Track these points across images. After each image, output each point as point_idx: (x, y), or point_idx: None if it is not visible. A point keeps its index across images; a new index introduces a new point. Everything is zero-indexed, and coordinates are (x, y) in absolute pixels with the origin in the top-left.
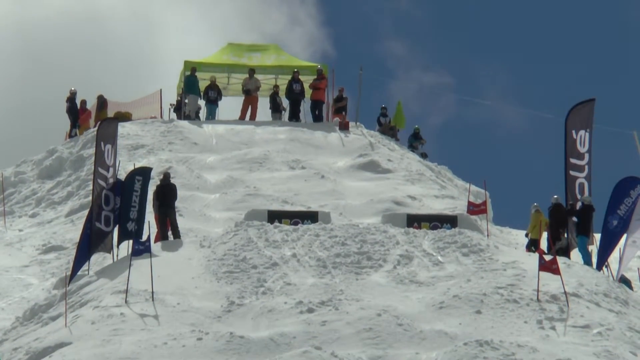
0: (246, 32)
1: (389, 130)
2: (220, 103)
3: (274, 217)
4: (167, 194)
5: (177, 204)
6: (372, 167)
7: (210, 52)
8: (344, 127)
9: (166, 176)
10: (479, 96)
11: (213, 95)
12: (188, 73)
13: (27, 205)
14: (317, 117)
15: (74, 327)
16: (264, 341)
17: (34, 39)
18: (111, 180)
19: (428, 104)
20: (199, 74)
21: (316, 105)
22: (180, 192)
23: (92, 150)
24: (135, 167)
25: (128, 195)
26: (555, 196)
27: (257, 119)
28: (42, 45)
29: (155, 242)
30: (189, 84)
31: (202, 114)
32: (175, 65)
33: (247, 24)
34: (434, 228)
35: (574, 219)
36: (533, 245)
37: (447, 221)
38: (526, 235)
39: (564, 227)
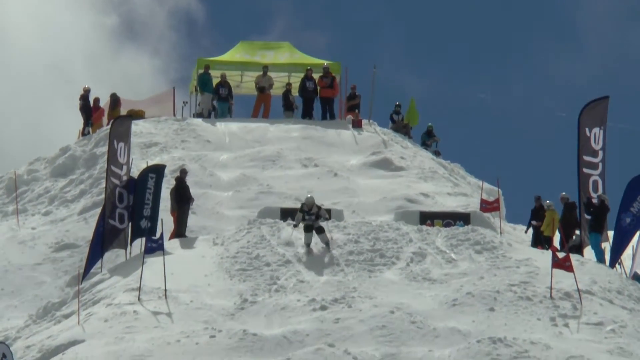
0: None
1: (402, 128)
2: (232, 100)
3: (287, 214)
4: (184, 190)
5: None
6: (385, 164)
7: (223, 51)
8: (357, 124)
9: (182, 172)
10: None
11: (224, 92)
12: (201, 71)
13: (40, 203)
14: (326, 115)
15: (87, 324)
16: (277, 338)
17: None
18: (124, 178)
19: None
20: (212, 72)
21: (325, 102)
22: (193, 190)
23: (105, 149)
24: (149, 165)
25: (141, 192)
26: (563, 193)
27: (270, 116)
28: None
29: (170, 238)
30: (203, 82)
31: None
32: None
33: None
34: (447, 225)
35: (587, 216)
36: (546, 243)
37: (460, 218)
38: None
39: (576, 225)
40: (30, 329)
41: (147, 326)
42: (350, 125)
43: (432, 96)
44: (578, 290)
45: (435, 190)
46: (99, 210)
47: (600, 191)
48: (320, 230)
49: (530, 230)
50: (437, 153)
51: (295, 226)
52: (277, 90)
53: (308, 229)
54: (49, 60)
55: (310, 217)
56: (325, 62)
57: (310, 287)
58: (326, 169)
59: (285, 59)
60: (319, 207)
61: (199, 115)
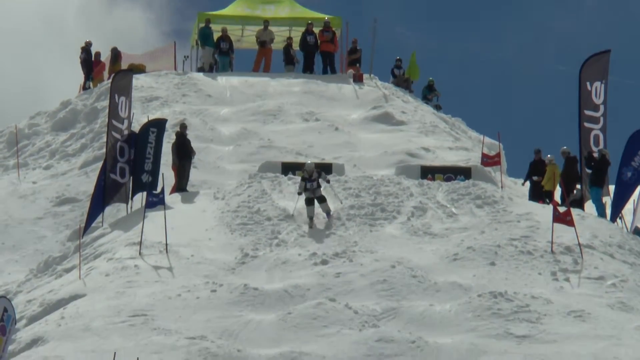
0: None
1: (403, 82)
2: (233, 55)
3: (288, 169)
4: (185, 145)
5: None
6: (386, 119)
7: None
8: (358, 79)
9: (182, 127)
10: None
11: (225, 46)
12: (202, 25)
13: (41, 157)
14: (326, 69)
15: (88, 279)
16: (278, 293)
17: None
18: (126, 132)
19: None
20: (212, 27)
21: (325, 57)
22: (194, 144)
23: (106, 103)
24: (150, 119)
25: (142, 147)
26: (564, 147)
27: (271, 71)
28: None
29: (171, 193)
30: (204, 36)
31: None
32: None
33: None
34: (448, 180)
35: (588, 170)
36: (547, 197)
37: (461, 173)
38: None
39: (577, 180)
40: (31, 283)
41: (148, 280)
42: (351, 80)
43: (433, 50)
44: (579, 244)
45: (436, 144)
46: (100, 164)
47: (601, 145)
48: (322, 200)
49: (528, 183)
50: (438, 107)
51: (299, 194)
52: (278, 45)
53: (309, 202)
54: (42, 13)
55: (311, 184)
56: (326, 17)
57: (311, 241)
58: (327, 123)
59: (286, 13)
60: (319, 173)
61: (200, 69)
